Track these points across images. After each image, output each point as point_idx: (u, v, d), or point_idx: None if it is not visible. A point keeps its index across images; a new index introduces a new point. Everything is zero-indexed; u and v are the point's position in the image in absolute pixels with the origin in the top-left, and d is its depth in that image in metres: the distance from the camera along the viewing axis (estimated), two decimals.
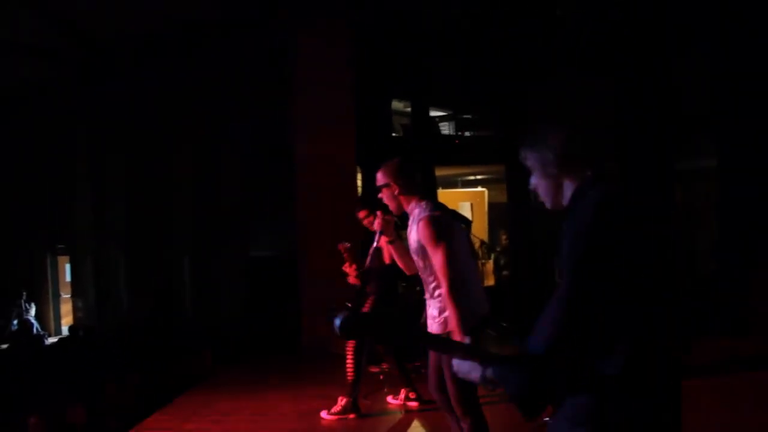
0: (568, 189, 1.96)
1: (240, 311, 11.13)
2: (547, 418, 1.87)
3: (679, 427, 1.87)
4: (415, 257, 3.76)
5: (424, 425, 5.53)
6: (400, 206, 3.78)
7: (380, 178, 3.81)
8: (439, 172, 11.78)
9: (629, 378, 1.76)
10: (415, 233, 3.66)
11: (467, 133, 13.28)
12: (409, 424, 5.56)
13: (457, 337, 3.46)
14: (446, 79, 12.25)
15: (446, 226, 3.61)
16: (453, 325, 3.50)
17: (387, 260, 5.57)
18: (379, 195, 3.85)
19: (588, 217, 1.81)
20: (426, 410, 5.84)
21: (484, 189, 13.73)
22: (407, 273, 4.14)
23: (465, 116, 13.49)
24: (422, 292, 3.93)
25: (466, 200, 13.04)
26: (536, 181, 2.03)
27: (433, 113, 12.68)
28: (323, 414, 5.77)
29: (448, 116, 13.78)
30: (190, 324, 11.36)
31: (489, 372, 1.79)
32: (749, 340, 7.88)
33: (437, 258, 3.54)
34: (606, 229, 1.78)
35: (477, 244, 12.05)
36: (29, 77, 13.67)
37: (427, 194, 3.84)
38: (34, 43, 12.18)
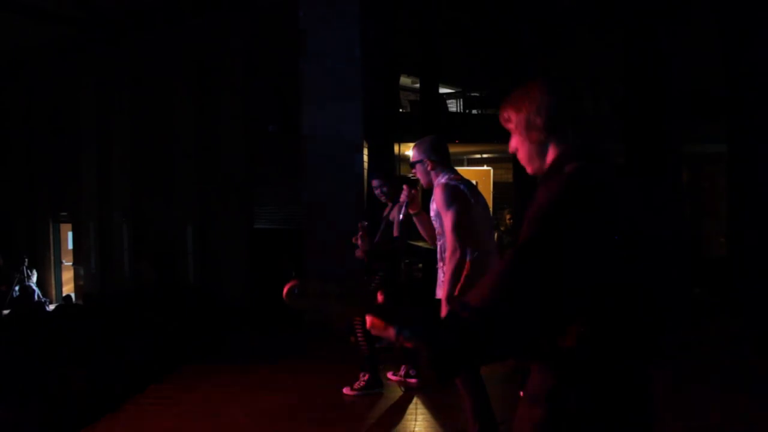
0: (547, 156, 1.84)
1: (243, 283, 11.12)
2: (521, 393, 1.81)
3: (644, 417, 1.77)
4: (435, 224, 3.99)
5: (424, 402, 5.52)
6: (430, 181, 4.04)
7: (415, 154, 4.07)
8: None
9: (585, 361, 1.68)
10: (433, 201, 3.93)
11: (474, 111, 13.19)
12: (409, 401, 5.55)
13: (442, 296, 3.75)
14: (455, 56, 12.13)
15: (460, 193, 3.81)
16: (445, 278, 3.75)
17: (396, 233, 5.62)
18: (413, 171, 4.11)
19: (555, 191, 1.70)
20: (426, 387, 5.84)
21: (489, 168, 13.65)
22: (430, 244, 4.36)
23: (473, 94, 13.40)
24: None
25: (472, 179, 12.91)
26: (517, 145, 1.92)
27: (442, 90, 12.57)
28: (345, 390, 5.70)
29: (456, 93, 13.69)
30: (193, 292, 11.36)
31: (406, 332, 1.72)
32: (755, 326, 7.86)
33: (447, 221, 3.76)
34: (571, 208, 1.66)
35: None
36: (33, 41, 13.58)
37: (454, 169, 4.05)
38: (39, 5, 12.05)
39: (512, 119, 1.89)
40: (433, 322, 1.71)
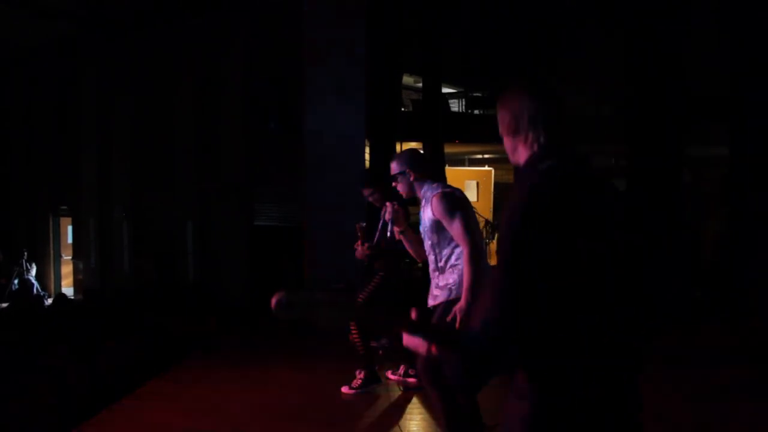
0: (522, 155, 1.93)
1: (243, 281, 11.12)
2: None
3: (630, 414, 1.80)
4: (427, 235, 3.96)
5: (422, 401, 5.52)
6: (413, 192, 4.03)
7: (395, 167, 4.06)
8: (447, 150, 11.71)
9: (570, 360, 1.71)
10: (429, 212, 3.89)
11: (476, 111, 13.21)
12: (408, 400, 5.55)
13: (463, 300, 3.71)
14: (457, 56, 12.15)
15: (460, 199, 3.84)
16: (466, 285, 3.72)
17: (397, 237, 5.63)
18: (394, 183, 4.09)
19: (522, 201, 1.74)
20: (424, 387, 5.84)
21: (491, 168, 13.66)
22: (418, 260, 4.38)
23: (475, 94, 13.42)
24: (425, 268, 4.09)
25: (473, 179, 12.99)
26: (502, 135, 2.01)
27: (444, 90, 12.58)
28: (344, 389, 5.72)
29: (458, 93, 13.70)
30: (192, 290, 11.35)
31: (433, 350, 1.75)
32: (753, 328, 7.86)
33: (456, 227, 3.77)
34: (535, 221, 1.69)
35: (482, 224, 12.02)
36: (34, 40, 13.59)
37: (438, 177, 4.13)
38: (40, 3, 12.06)
39: (498, 116, 1.99)
40: (452, 346, 1.74)
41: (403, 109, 12.12)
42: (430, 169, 4.10)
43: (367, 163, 9.97)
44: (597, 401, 1.75)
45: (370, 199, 5.74)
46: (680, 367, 6.27)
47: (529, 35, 11.03)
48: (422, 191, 3.99)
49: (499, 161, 13.75)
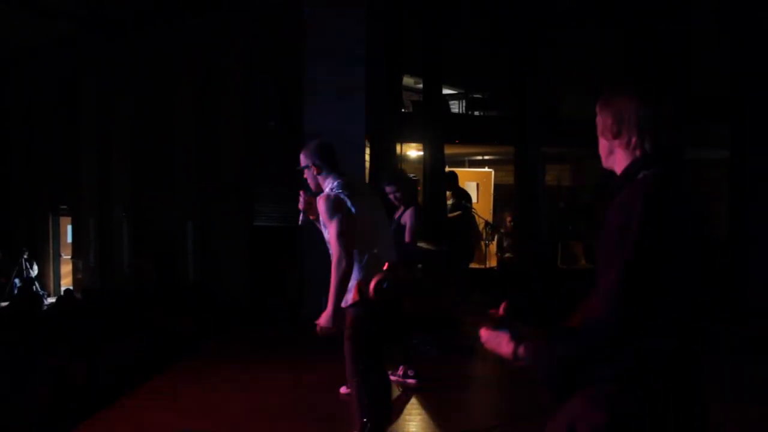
0: (621, 159, 1.91)
1: (242, 281, 11.11)
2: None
3: (702, 420, 1.83)
4: (324, 233, 4.00)
5: (422, 402, 5.52)
6: (318, 185, 4.06)
7: (302, 159, 4.09)
8: (447, 151, 11.71)
9: (649, 364, 1.72)
10: None
11: (476, 113, 13.20)
12: (406, 401, 5.54)
13: (329, 305, 3.82)
14: (458, 58, 12.14)
15: (340, 203, 3.84)
16: (331, 291, 3.83)
17: (408, 238, 5.72)
18: (304, 175, 4.12)
19: (637, 208, 1.74)
20: (424, 387, 5.84)
21: (491, 169, 13.65)
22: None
23: (475, 95, 13.41)
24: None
25: (473, 180, 12.98)
26: (599, 138, 2.00)
27: (444, 91, 12.57)
28: (342, 390, 5.71)
29: (459, 95, 13.69)
30: (192, 290, 11.35)
31: (521, 350, 1.74)
32: (752, 328, 7.86)
33: (330, 230, 3.83)
34: (655, 224, 1.72)
35: (481, 225, 12.01)
36: (34, 39, 13.59)
37: (341, 173, 4.04)
38: (40, 2, 12.06)
39: (599, 117, 1.98)
40: (546, 344, 1.74)
41: (403, 110, 12.11)
42: (334, 161, 4.05)
43: (367, 164, 9.96)
44: (679, 409, 1.78)
45: (391, 196, 5.81)
46: None
47: (529, 35, 11.03)
48: (325, 186, 4.00)
49: (499, 162, 13.74)
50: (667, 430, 1.75)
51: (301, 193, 4.19)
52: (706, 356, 1.87)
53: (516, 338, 1.76)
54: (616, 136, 1.91)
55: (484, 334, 1.79)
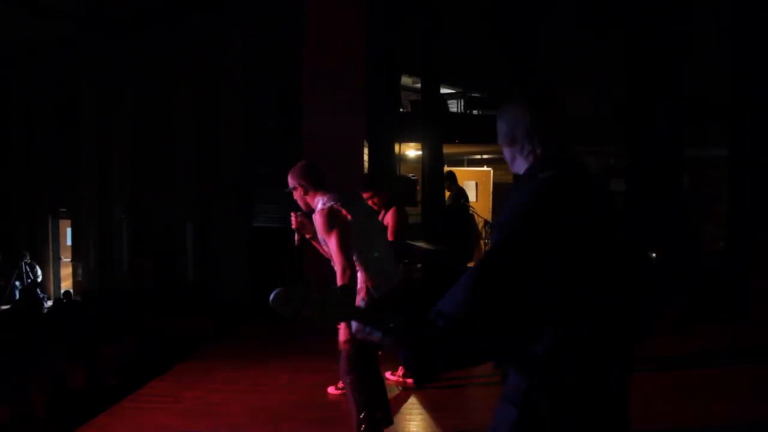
0: (521, 165, 1.97)
1: (242, 281, 11.12)
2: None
3: (620, 421, 1.82)
4: (325, 248, 4.11)
5: (421, 402, 5.52)
6: (308, 204, 4.19)
7: (290, 181, 4.23)
8: (446, 150, 11.71)
9: (558, 362, 1.72)
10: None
11: (475, 112, 13.19)
12: (405, 400, 5.55)
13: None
14: (456, 57, 12.13)
15: (337, 214, 3.96)
16: None
17: (390, 237, 5.75)
18: (294, 197, 4.28)
19: (535, 193, 1.80)
20: (423, 387, 5.84)
21: (489, 168, 13.66)
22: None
23: (474, 95, 13.40)
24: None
25: (472, 179, 12.99)
26: (502, 150, 2.05)
27: (442, 91, 12.57)
28: (330, 389, 5.74)
29: (457, 94, 13.68)
30: (192, 290, 11.35)
31: (385, 338, 1.79)
32: (751, 330, 7.86)
33: (331, 243, 3.92)
34: (551, 207, 1.76)
35: (480, 224, 12.01)
36: (34, 39, 13.58)
37: (328, 190, 4.15)
38: (40, 1, 12.06)
39: (497, 127, 2.03)
40: (411, 328, 1.75)
41: (401, 109, 12.11)
42: (321, 180, 4.19)
43: (366, 164, 9.96)
44: (586, 401, 1.75)
45: (369, 202, 5.83)
46: (680, 368, 6.28)
47: (529, 35, 11.03)
48: (314, 205, 4.13)
49: (498, 161, 13.73)
50: (576, 425, 1.76)
51: (293, 214, 4.33)
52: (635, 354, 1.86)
53: (375, 326, 1.80)
54: (511, 144, 1.97)
55: (355, 326, 1.88)
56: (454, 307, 1.70)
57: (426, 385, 5.83)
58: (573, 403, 1.74)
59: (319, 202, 4.08)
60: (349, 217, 3.97)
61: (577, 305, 1.74)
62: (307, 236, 4.32)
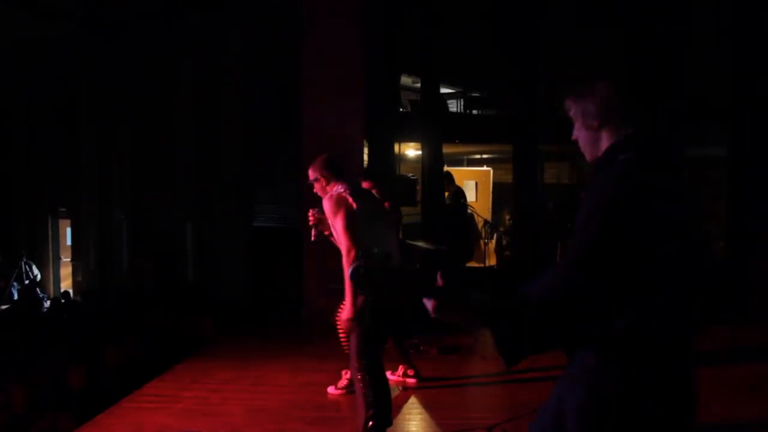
0: (605, 143, 1.88)
1: (242, 282, 11.12)
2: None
3: (685, 408, 1.81)
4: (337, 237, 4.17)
5: (421, 402, 5.53)
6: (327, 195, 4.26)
7: (311, 174, 4.37)
8: (446, 150, 11.72)
9: (630, 343, 1.71)
10: None
11: (475, 111, 13.19)
12: (406, 401, 5.55)
13: (348, 297, 4.06)
14: (456, 57, 12.13)
15: (343, 199, 4.08)
16: (346, 286, 4.07)
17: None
18: (314, 189, 4.38)
19: (609, 188, 1.75)
20: (424, 387, 5.85)
21: (489, 168, 13.66)
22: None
23: (473, 94, 13.41)
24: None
25: (472, 179, 12.99)
26: (577, 132, 1.96)
27: (442, 90, 12.57)
28: (330, 389, 5.74)
29: (457, 94, 13.69)
30: (191, 290, 11.36)
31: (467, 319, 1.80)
32: (751, 330, 7.86)
33: (337, 226, 4.04)
34: (624, 204, 1.71)
35: (480, 224, 12.02)
36: (34, 39, 13.57)
37: (347, 181, 4.31)
38: (40, 1, 12.06)
39: (572, 108, 1.93)
40: (505, 311, 1.73)
41: (401, 109, 12.11)
42: (341, 171, 4.33)
43: (366, 164, 9.97)
44: (659, 391, 1.74)
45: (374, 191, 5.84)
46: None
47: (529, 35, 11.02)
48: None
49: (498, 161, 13.74)
50: (648, 414, 1.73)
51: (311, 210, 4.42)
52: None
53: (442, 299, 1.76)
54: (601, 121, 1.87)
55: (426, 302, 1.79)
56: (549, 293, 1.70)
57: (438, 382, 5.85)
58: (642, 386, 1.73)
59: (334, 190, 4.19)
60: (354, 205, 4.07)
61: (657, 288, 1.73)
62: (326, 233, 4.39)
